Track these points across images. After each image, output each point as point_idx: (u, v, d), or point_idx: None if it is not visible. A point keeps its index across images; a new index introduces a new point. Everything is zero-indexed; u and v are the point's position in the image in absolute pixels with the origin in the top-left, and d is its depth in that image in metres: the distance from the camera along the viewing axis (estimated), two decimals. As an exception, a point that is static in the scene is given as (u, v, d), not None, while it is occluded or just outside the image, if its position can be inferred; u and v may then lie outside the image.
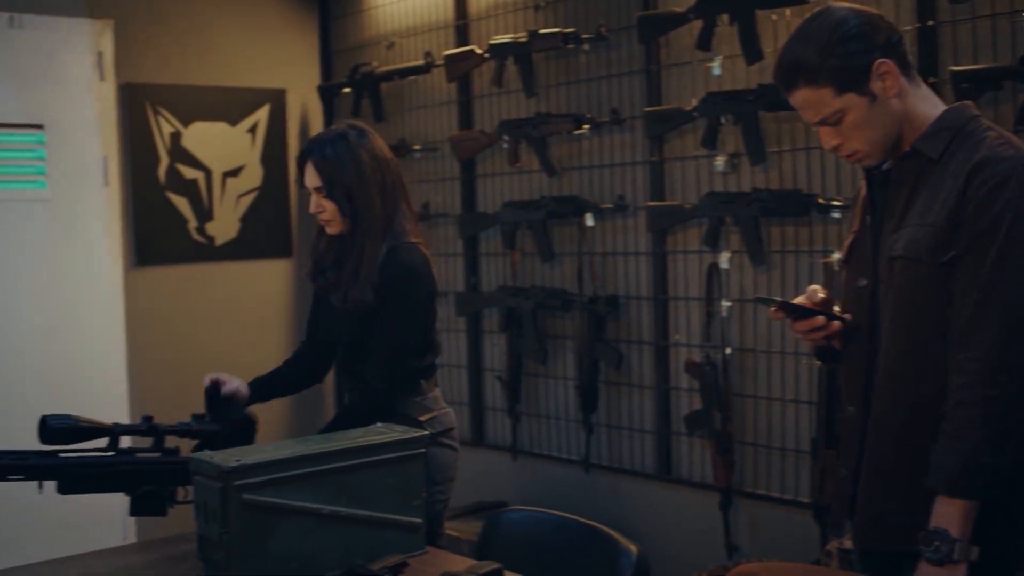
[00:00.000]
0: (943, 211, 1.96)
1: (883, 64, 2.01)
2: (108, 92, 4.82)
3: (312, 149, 2.93)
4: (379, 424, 2.59)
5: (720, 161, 3.66)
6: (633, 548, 2.37)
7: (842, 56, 1.99)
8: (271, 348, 5.25)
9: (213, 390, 2.83)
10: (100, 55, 4.79)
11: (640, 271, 4.00)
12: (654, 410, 3.98)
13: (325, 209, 2.92)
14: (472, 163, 4.62)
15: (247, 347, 5.09)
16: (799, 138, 3.49)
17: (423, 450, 2.51)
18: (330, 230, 2.97)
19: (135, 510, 2.57)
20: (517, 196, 4.40)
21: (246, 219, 5.21)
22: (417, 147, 4.82)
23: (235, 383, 2.90)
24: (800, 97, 2.06)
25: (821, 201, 3.36)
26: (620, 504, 4.08)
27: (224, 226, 5.14)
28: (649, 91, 3.89)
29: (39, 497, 2.53)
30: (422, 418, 2.94)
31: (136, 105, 4.87)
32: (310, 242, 3.12)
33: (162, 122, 4.94)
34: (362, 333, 2.95)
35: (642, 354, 4.01)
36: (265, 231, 5.27)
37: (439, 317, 4.39)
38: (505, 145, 4.34)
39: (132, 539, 4.52)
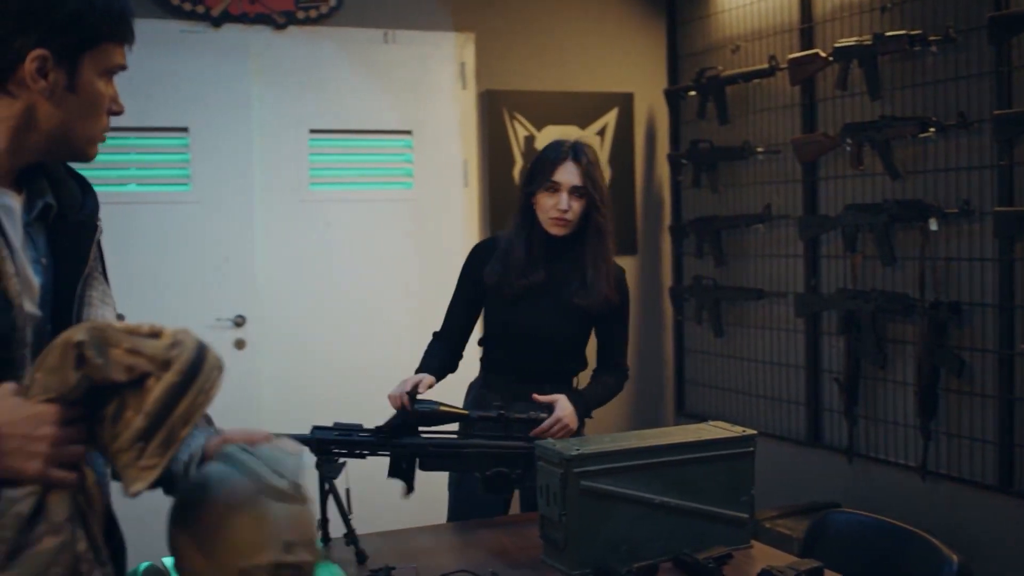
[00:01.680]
0: None
1: None
2: (469, 99, 5.20)
3: (576, 150, 3.15)
4: (710, 422, 2.73)
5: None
6: (955, 557, 2.39)
7: None
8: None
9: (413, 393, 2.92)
10: (463, 65, 5.18)
11: (985, 277, 3.91)
12: (996, 420, 3.88)
13: (571, 209, 3.12)
14: (815, 165, 4.64)
15: (591, 344, 5.33)
16: None
17: (753, 448, 2.63)
18: (560, 231, 3.15)
19: (486, 488, 2.84)
20: (859, 199, 4.39)
21: (593, 218, 5.45)
22: (760, 149, 4.89)
23: (426, 378, 2.98)
24: None
25: None
26: (956, 514, 4.01)
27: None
28: (999, 94, 3.80)
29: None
30: None
31: (494, 111, 5.22)
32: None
33: (517, 126, 5.27)
34: (581, 331, 3.21)
35: (985, 362, 3.92)
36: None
37: (779, 316, 4.45)
38: (848, 148, 4.34)
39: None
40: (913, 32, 4.03)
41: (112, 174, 4.71)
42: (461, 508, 3.16)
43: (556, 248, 3.20)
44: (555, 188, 3.13)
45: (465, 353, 3.38)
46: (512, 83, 5.28)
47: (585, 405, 3.14)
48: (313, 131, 4.96)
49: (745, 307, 5.09)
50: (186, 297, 4.75)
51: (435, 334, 3.35)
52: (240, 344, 4.85)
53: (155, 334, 1.52)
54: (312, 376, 4.90)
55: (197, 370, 1.51)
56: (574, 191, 3.13)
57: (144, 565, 2.41)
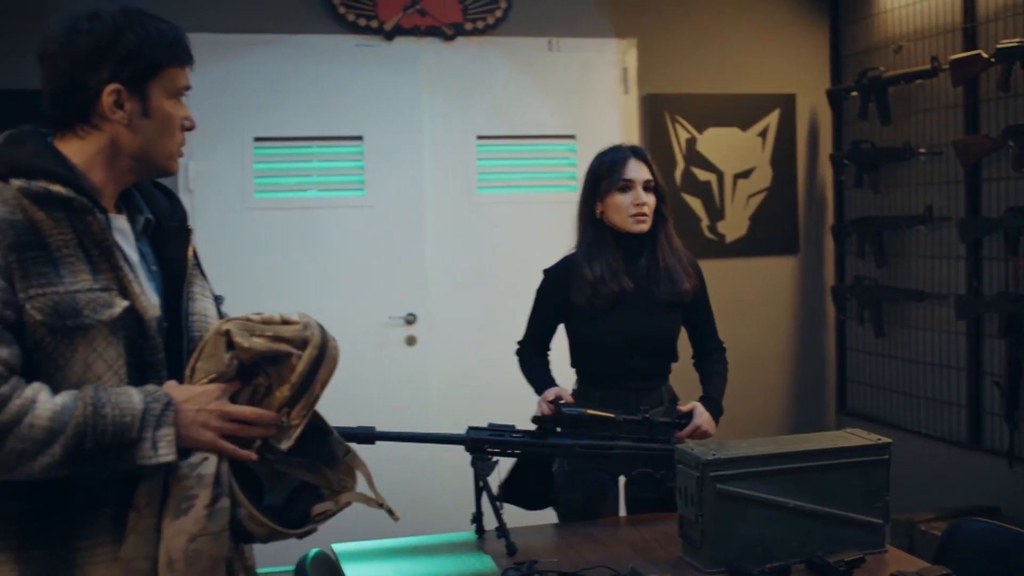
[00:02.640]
0: None
1: None
2: (631, 104, 5.34)
3: (635, 149, 3.35)
4: (848, 430, 2.82)
5: None
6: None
7: None
8: (776, 341, 5.57)
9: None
10: (625, 71, 5.32)
11: None
12: None
13: (646, 203, 3.27)
14: (977, 167, 4.61)
15: (751, 340, 5.43)
16: None
17: (887, 456, 2.71)
18: (642, 226, 3.27)
19: (631, 488, 2.99)
20: (1022, 202, 4.35)
21: (755, 218, 5.53)
22: (922, 150, 4.88)
23: (563, 391, 3.20)
24: None
25: None
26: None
27: (734, 224, 5.50)
28: None
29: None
30: None
31: (655, 114, 5.35)
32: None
33: (679, 129, 5.38)
34: (675, 324, 3.32)
35: None
36: (773, 229, 5.56)
37: (939, 318, 4.43)
38: (1011, 150, 4.31)
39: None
40: (1076, 34, 3.98)
41: (293, 181, 5.04)
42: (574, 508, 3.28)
43: (632, 250, 3.30)
44: (628, 186, 3.25)
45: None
46: (674, 86, 5.39)
47: (717, 406, 3.27)
48: (480, 137, 5.18)
49: (906, 308, 5.08)
50: (360, 296, 5.04)
51: (523, 345, 3.47)
52: (411, 340, 5.11)
53: (287, 321, 1.90)
54: (478, 371, 5.13)
55: (326, 345, 1.89)
56: (646, 185, 3.27)
57: (313, 552, 2.65)
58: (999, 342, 4.47)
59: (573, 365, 3.41)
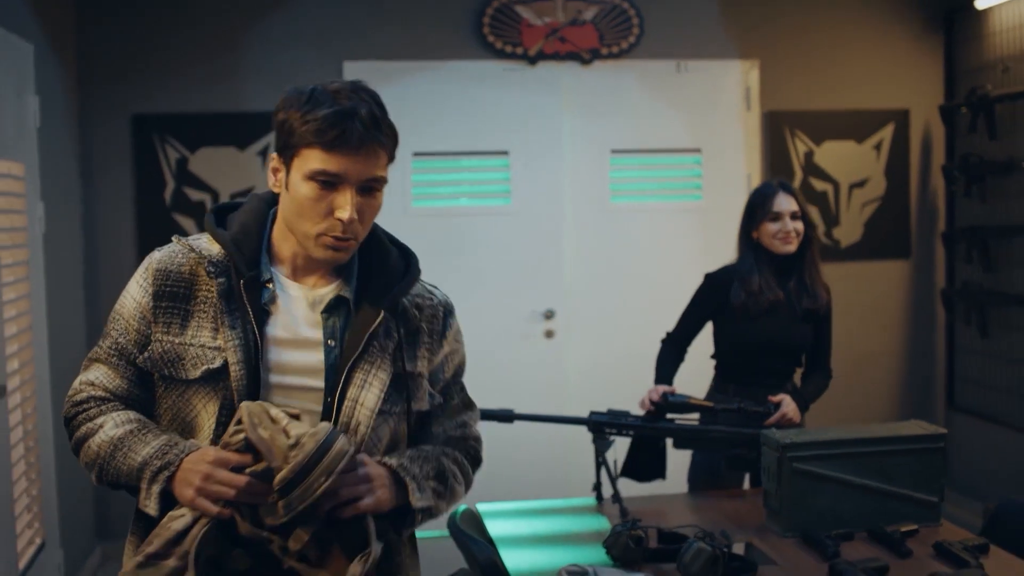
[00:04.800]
0: None
1: None
2: (753, 120, 5.83)
3: (783, 184, 3.91)
4: (913, 420, 3.31)
5: None
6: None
7: None
8: (889, 340, 5.99)
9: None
10: (748, 89, 5.81)
11: None
12: None
13: (792, 230, 3.84)
14: (1074, 182, 4.97)
15: (865, 338, 5.88)
16: None
17: (943, 445, 3.19)
18: (790, 247, 3.85)
19: (728, 466, 3.54)
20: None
21: (869, 224, 5.96)
22: (1025, 164, 5.25)
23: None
24: None
25: None
26: None
27: (849, 231, 5.94)
28: None
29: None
30: None
31: (776, 129, 5.82)
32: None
33: (798, 143, 5.85)
34: (809, 334, 3.89)
35: None
36: (886, 235, 5.98)
37: None
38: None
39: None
40: None
41: (447, 190, 5.69)
42: (699, 479, 3.88)
43: (781, 268, 3.89)
44: (777, 216, 3.85)
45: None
46: (793, 103, 5.85)
47: (804, 401, 3.81)
48: (614, 151, 5.75)
49: (1010, 312, 5.45)
50: (505, 293, 5.68)
51: (669, 336, 4.03)
52: (550, 334, 5.72)
53: (287, 433, 1.86)
54: (608, 361, 5.72)
55: (329, 447, 1.84)
56: (793, 215, 3.85)
57: (462, 508, 3.25)
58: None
59: (715, 358, 4.04)
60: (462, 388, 2.30)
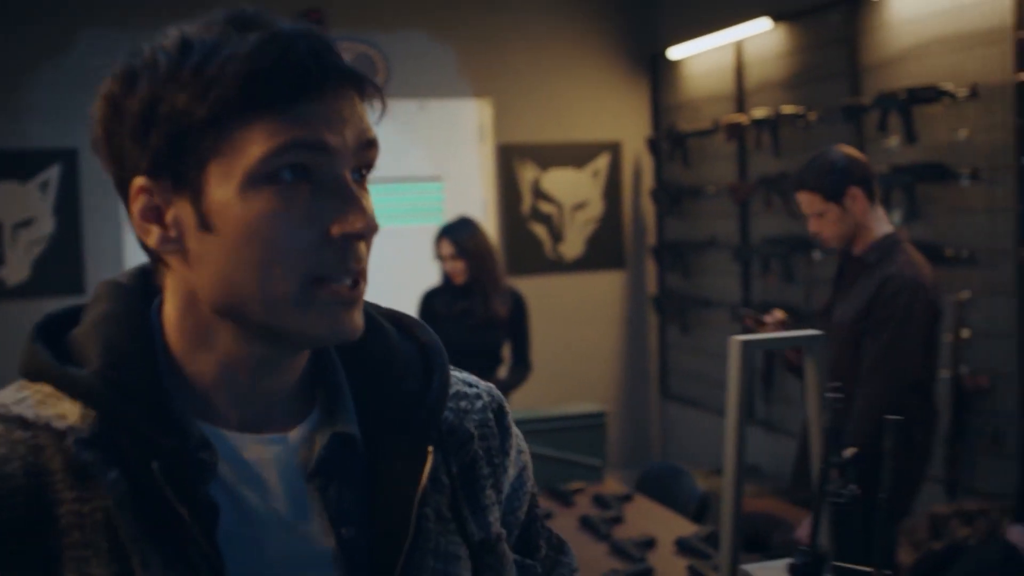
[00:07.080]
0: (863, 300, 3.23)
1: (853, 189, 3.27)
2: (487, 151, 6.67)
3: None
4: (584, 402, 4.17)
5: None
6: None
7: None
8: (609, 339, 6.92)
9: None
10: (482, 125, 6.64)
11: None
12: None
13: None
14: (745, 205, 5.96)
15: (589, 339, 6.79)
16: None
17: (604, 421, 4.05)
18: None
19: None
20: (772, 233, 5.70)
21: (589, 241, 6.88)
22: (711, 189, 6.23)
23: None
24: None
25: None
26: None
27: (572, 246, 6.85)
28: None
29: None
30: None
31: (507, 159, 6.67)
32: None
33: (526, 171, 6.71)
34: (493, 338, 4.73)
35: None
36: (604, 250, 6.91)
37: (722, 319, 5.61)
38: (764, 194, 5.66)
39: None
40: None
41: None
42: None
43: (460, 291, 4.78)
44: (442, 258, 4.79)
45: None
46: (522, 136, 6.70)
47: (503, 388, 4.61)
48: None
49: (704, 312, 6.43)
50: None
51: None
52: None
53: None
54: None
55: None
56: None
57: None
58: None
59: None
60: (543, 523, 1.31)
